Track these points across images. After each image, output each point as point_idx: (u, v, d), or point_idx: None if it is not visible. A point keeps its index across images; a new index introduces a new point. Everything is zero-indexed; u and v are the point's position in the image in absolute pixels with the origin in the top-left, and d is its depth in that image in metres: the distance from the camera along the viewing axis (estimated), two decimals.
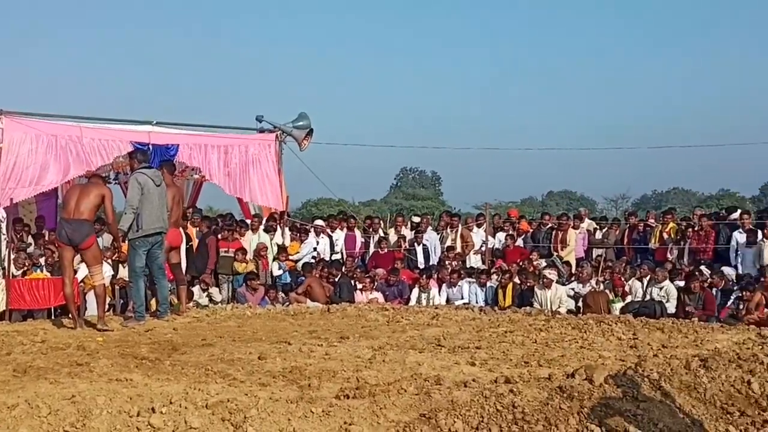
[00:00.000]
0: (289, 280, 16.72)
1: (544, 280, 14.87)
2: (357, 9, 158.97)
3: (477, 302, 15.82)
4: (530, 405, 6.01)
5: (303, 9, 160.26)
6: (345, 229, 18.71)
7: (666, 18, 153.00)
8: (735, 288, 14.35)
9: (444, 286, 16.46)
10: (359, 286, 16.15)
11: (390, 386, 6.53)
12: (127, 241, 11.18)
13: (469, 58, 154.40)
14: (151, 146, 15.79)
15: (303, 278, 16.07)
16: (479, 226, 19.19)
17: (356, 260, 18.08)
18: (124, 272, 14.19)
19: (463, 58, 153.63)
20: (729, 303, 14.07)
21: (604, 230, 18.96)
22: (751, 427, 6.25)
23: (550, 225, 18.75)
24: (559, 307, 14.46)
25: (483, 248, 18.45)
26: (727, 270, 15.17)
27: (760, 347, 8.15)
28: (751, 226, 15.52)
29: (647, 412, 6.13)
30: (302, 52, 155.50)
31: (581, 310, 14.32)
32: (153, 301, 12.35)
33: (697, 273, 14.64)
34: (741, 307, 13.43)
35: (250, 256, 16.46)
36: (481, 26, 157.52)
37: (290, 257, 17.13)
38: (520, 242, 18.67)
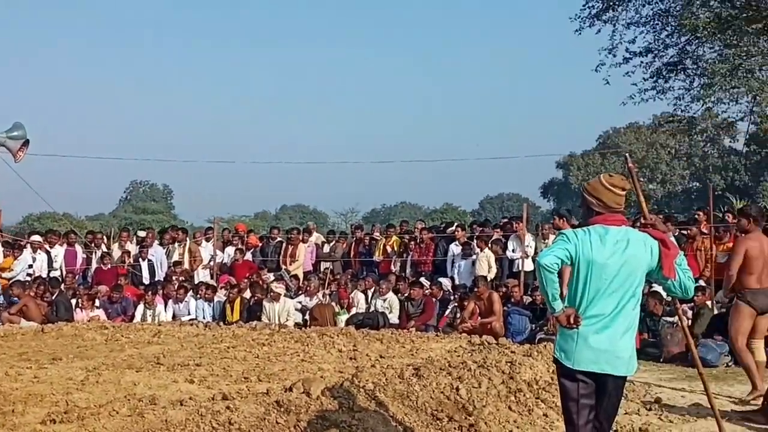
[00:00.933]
0: (2, 300, 15.64)
1: (272, 293, 14.88)
2: (72, 14, 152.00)
3: (204, 318, 15.57)
4: (247, 421, 5.95)
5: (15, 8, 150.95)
6: (65, 245, 17.81)
7: (370, 34, 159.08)
8: (452, 298, 15.03)
9: (170, 302, 16.05)
10: (79, 303, 15.38)
11: (101, 408, 6.26)
12: None
13: (196, 70, 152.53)
14: None
15: (17, 297, 15.07)
16: (208, 240, 18.93)
17: (77, 277, 17.28)
18: None
19: (190, 69, 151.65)
20: (446, 312, 14.71)
21: (332, 244, 19.25)
22: None
23: (278, 239, 18.82)
24: (287, 320, 14.51)
25: (211, 263, 18.21)
26: (445, 281, 15.85)
27: (470, 354, 8.57)
28: (465, 239, 16.34)
29: (362, 422, 6.25)
30: (22, 59, 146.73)
31: (308, 323, 14.46)
32: None
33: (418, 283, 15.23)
34: (458, 316, 14.07)
35: None
36: (207, 39, 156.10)
37: (3, 275, 16.06)
38: (249, 256, 18.58)
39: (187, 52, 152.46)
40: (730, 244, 11.64)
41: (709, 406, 6.15)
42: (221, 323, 14.29)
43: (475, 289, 13.48)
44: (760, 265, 8.66)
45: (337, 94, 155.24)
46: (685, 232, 14.58)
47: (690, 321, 12.31)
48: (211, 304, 15.97)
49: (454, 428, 6.55)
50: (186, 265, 17.93)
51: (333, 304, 15.34)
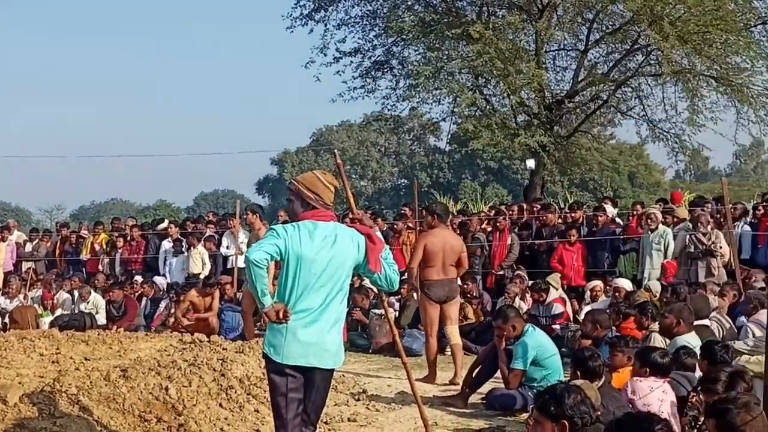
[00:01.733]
0: None
1: None
2: None
3: None
4: None
5: None
6: None
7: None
8: (165, 296, 14.71)
9: None
10: None
11: None
12: None
13: None
14: None
15: None
16: None
17: None
18: None
19: None
20: (160, 311, 14.37)
21: (35, 242, 18.27)
22: None
23: None
24: None
25: None
26: (159, 279, 15.50)
27: (181, 353, 8.39)
28: (177, 236, 16.05)
29: (64, 428, 6.00)
30: None
31: (7, 327, 13.60)
32: None
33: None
34: (171, 313, 13.79)
35: None
36: None
37: None
38: None
39: None
40: None
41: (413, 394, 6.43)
42: None
43: (207, 288, 13.24)
44: (440, 258, 9.23)
45: (40, 85, 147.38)
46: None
47: (397, 313, 12.85)
48: None
49: (163, 429, 6.41)
50: None
51: (35, 305, 14.55)
